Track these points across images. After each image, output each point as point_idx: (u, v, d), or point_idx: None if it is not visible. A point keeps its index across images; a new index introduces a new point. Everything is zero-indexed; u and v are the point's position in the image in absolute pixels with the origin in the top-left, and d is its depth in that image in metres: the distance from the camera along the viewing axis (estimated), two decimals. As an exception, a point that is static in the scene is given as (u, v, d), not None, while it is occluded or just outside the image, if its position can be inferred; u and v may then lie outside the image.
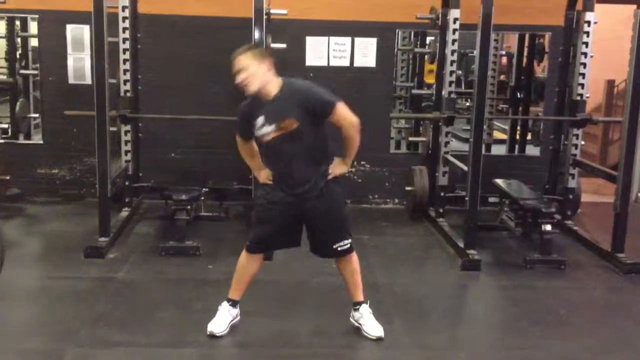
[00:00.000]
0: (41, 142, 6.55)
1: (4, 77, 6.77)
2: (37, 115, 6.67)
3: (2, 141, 6.43)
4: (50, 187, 6.50)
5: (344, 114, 3.43)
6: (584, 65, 5.77)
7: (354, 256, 3.74)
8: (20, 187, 6.35)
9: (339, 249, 3.64)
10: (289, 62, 6.26)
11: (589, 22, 5.72)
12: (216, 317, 3.73)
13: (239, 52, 3.43)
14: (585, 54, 5.76)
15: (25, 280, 4.58)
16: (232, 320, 3.75)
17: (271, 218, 3.64)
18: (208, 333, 3.67)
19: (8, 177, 6.10)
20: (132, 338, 3.71)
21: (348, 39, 6.44)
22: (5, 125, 6.37)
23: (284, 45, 5.81)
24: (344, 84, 6.48)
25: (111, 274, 4.63)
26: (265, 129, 3.46)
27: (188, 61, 6.36)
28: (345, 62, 6.48)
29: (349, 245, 3.66)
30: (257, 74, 3.39)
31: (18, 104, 6.54)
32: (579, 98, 5.82)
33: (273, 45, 5.61)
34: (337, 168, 3.58)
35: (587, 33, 5.73)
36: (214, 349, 3.63)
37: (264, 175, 3.67)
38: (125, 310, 4.08)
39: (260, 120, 3.47)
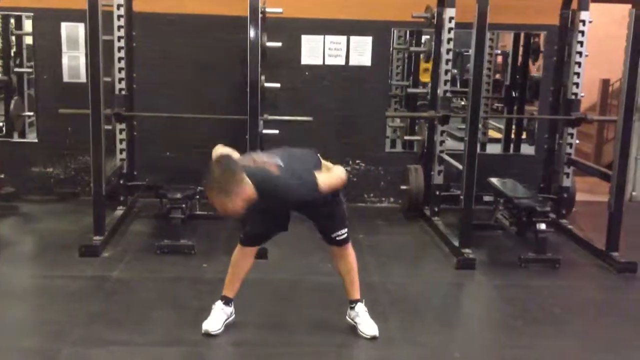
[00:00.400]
0: (36, 140, 6.53)
1: (-1, 75, 6.75)
2: (31, 113, 6.65)
3: (-4, 139, 6.41)
4: (44, 185, 6.48)
5: (327, 191, 3.42)
6: (579, 64, 5.77)
7: (350, 251, 3.74)
8: (15, 185, 6.31)
9: (337, 238, 3.67)
10: (284, 61, 6.27)
11: (584, 22, 5.72)
12: (211, 316, 3.73)
13: (207, 191, 3.28)
14: (580, 53, 5.76)
15: (20, 279, 4.58)
16: (226, 319, 3.75)
17: (264, 218, 3.66)
18: (203, 332, 3.67)
19: (2, 176, 6.07)
20: (127, 337, 3.70)
21: (343, 38, 6.44)
22: (0, 124, 6.34)
23: (279, 44, 5.81)
24: (339, 83, 6.50)
25: (106, 272, 4.62)
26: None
27: (183, 59, 6.35)
28: (341, 61, 6.48)
29: (345, 235, 3.68)
30: (233, 207, 3.22)
31: (12, 102, 6.51)
32: (573, 97, 5.82)
33: (269, 43, 5.61)
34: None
35: (582, 32, 5.73)
36: (209, 348, 3.63)
37: None
38: (120, 309, 4.08)
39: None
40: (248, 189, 3.22)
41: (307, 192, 3.32)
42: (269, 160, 3.36)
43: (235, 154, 3.49)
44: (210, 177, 3.23)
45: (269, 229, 3.74)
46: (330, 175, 3.47)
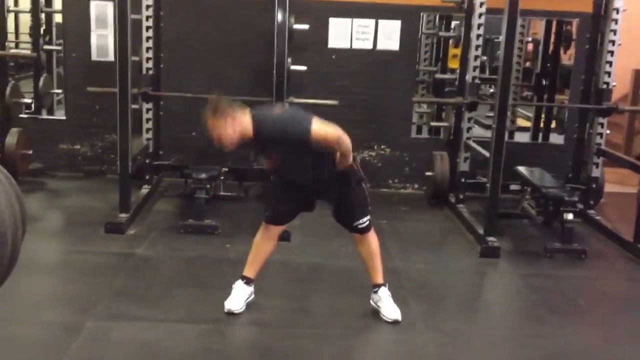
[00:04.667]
0: (64, 117, 6.60)
1: (28, 52, 6.81)
2: (60, 91, 6.72)
3: (25, 116, 6.47)
4: (71, 162, 6.55)
5: (321, 136, 3.41)
6: (612, 53, 5.66)
7: (372, 237, 3.75)
8: (43, 162, 6.41)
9: (359, 226, 3.69)
10: (311, 44, 6.24)
11: (617, 10, 5.60)
12: (232, 295, 3.75)
13: (205, 116, 3.44)
14: (613, 42, 5.64)
15: (46, 253, 4.64)
16: (247, 298, 3.77)
17: (288, 196, 3.72)
18: (226, 311, 3.69)
19: (30, 152, 6.16)
20: (150, 313, 3.74)
21: (372, 21, 6.37)
22: (29, 100, 6.41)
23: (306, 27, 5.78)
24: (367, 67, 6.44)
25: (130, 249, 4.67)
26: (260, 158, 3.65)
27: (210, 40, 6.35)
28: (369, 45, 6.42)
29: (367, 222, 3.69)
30: (227, 133, 3.39)
31: (41, 79, 6.58)
32: (605, 86, 5.72)
33: (296, 26, 5.57)
34: (341, 164, 3.56)
35: (616, 20, 5.62)
36: (230, 326, 3.66)
37: None
38: (143, 285, 4.13)
39: (252, 154, 3.69)
40: (244, 120, 3.40)
41: (300, 130, 3.37)
42: (278, 107, 3.76)
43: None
44: (208, 105, 3.42)
45: (293, 207, 3.75)
46: (327, 129, 3.44)
